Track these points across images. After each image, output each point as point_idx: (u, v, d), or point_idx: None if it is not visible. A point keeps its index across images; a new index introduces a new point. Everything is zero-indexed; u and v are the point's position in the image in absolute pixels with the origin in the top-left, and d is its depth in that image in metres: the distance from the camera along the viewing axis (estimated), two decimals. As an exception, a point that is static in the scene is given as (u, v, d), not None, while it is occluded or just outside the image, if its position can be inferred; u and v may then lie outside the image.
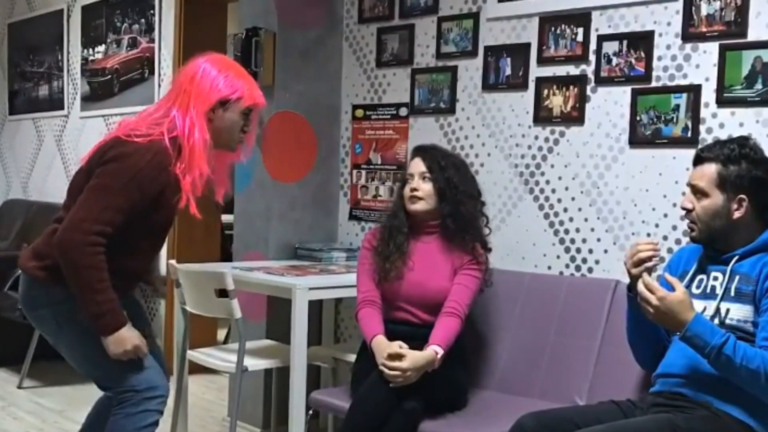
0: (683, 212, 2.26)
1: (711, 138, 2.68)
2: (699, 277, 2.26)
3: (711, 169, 2.18)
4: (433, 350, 2.60)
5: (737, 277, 2.16)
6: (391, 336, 2.70)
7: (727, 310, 2.14)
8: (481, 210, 2.91)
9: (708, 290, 2.21)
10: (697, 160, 2.24)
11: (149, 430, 2.37)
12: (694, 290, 2.24)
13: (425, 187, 2.81)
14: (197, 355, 3.27)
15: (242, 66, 3.63)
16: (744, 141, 2.21)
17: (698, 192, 2.20)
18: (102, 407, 2.59)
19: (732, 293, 2.15)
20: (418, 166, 2.85)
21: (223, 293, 3.02)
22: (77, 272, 2.22)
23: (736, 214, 2.17)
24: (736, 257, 2.17)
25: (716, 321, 2.13)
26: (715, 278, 2.21)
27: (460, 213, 2.79)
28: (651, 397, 2.23)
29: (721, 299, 2.16)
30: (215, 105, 2.41)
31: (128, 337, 2.30)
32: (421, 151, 2.90)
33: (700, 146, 2.43)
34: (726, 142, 2.22)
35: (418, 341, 2.64)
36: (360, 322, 2.80)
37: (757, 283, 2.11)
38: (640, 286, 2.11)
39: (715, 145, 2.24)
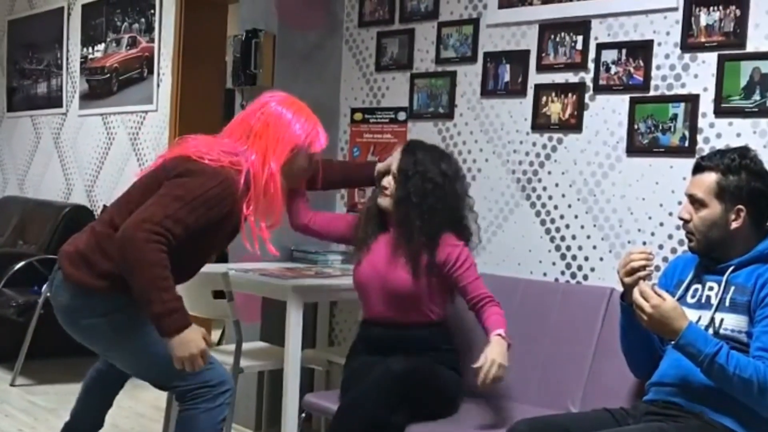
0: (681, 222, 2.25)
1: (708, 148, 2.69)
2: (694, 286, 2.25)
3: (711, 178, 2.17)
4: (497, 334, 2.56)
5: (732, 288, 2.15)
6: (373, 338, 2.77)
7: (722, 320, 2.14)
8: (465, 217, 2.85)
9: (703, 300, 2.20)
10: (697, 169, 2.23)
11: (224, 425, 2.39)
12: (689, 300, 2.23)
13: (393, 186, 2.80)
14: None
15: (242, 67, 3.68)
16: (745, 152, 2.21)
17: (696, 202, 2.19)
18: (92, 384, 2.60)
19: (727, 303, 2.14)
20: (395, 162, 2.82)
21: (218, 294, 3.02)
22: (142, 270, 2.16)
23: (734, 225, 2.15)
24: (732, 267, 2.16)
25: (711, 331, 2.13)
26: (711, 288, 2.19)
27: (411, 222, 2.73)
28: (644, 406, 2.23)
29: (716, 309, 2.15)
30: (289, 152, 2.45)
31: (194, 339, 2.23)
32: (405, 148, 2.85)
33: (697, 156, 2.42)
34: (727, 152, 2.21)
35: (391, 344, 2.66)
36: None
37: (752, 294, 2.10)
38: (635, 294, 2.09)
39: (716, 154, 2.23)
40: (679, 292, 2.25)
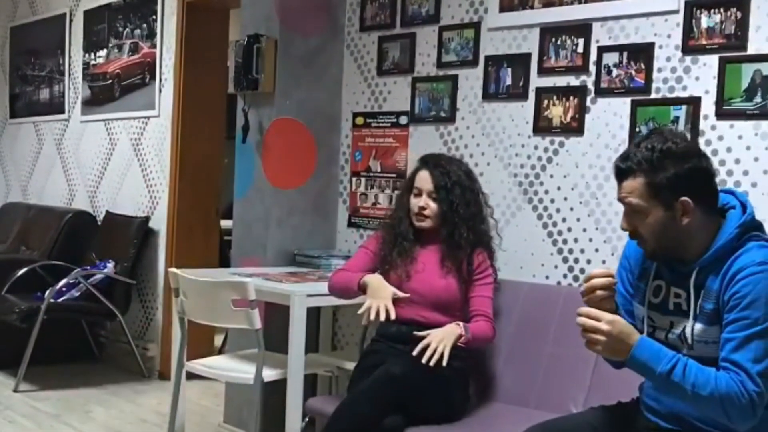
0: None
1: (710, 151, 2.68)
2: (656, 283, 2.04)
3: (638, 181, 1.91)
4: (456, 324, 2.65)
5: (701, 293, 1.93)
6: (396, 335, 2.76)
7: (692, 329, 1.94)
8: (486, 218, 2.96)
9: (671, 306, 2.00)
10: (619, 173, 1.96)
11: None
12: (651, 298, 2.04)
13: (433, 206, 2.86)
14: (203, 368, 3.21)
15: (244, 72, 3.68)
16: (660, 135, 1.93)
17: (634, 211, 1.94)
18: None
19: (697, 312, 1.93)
20: (426, 182, 2.87)
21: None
22: None
23: (685, 220, 1.90)
24: (696, 270, 1.94)
25: (684, 344, 1.97)
26: (678, 295, 1.98)
27: (460, 233, 2.83)
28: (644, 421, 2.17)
29: (691, 318, 1.94)
30: None
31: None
32: (429, 165, 2.92)
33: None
34: (641, 144, 1.93)
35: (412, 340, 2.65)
36: (334, 278, 2.90)
37: (717, 298, 1.90)
38: (581, 319, 1.86)
39: (631, 151, 1.94)
40: (644, 287, 2.06)
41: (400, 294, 2.68)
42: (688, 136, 1.95)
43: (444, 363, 2.54)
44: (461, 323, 2.68)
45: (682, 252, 1.96)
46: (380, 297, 2.63)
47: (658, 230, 1.92)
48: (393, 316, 2.59)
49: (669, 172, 1.88)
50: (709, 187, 1.94)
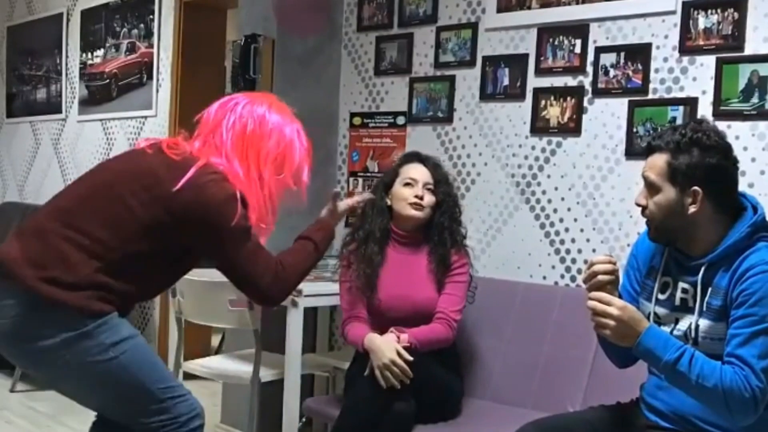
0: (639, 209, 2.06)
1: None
2: (664, 279, 2.07)
3: (661, 159, 1.97)
4: (391, 331, 2.61)
5: (708, 290, 1.96)
6: None
7: (697, 326, 1.97)
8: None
9: (677, 302, 2.03)
10: (649, 150, 2.03)
11: None
12: (659, 296, 2.07)
13: (429, 198, 2.83)
14: (200, 368, 3.22)
15: (241, 72, 3.68)
16: (697, 125, 1.99)
17: (650, 186, 2.00)
18: None
19: (704, 308, 1.96)
20: (423, 175, 2.85)
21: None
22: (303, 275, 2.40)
23: (692, 209, 1.94)
24: (705, 266, 1.97)
25: (689, 338, 1.99)
26: (685, 291, 2.01)
27: (451, 226, 2.82)
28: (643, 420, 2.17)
29: (696, 314, 1.97)
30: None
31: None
32: (423, 160, 2.91)
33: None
34: (678, 128, 2.00)
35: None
36: (348, 337, 2.79)
37: (726, 295, 1.92)
38: (592, 303, 1.91)
39: (667, 131, 2.01)
40: (651, 284, 2.09)
41: (404, 354, 2.54)
42: (727, 138, 2.02)
43: (407, 380, 2.49)
44: (395, 331, 2.63)
45: (686, 242, 2.00)
46: (385, 357, 2.53)
47: (665, 210, 1.97)
48: (408, 381, 2.51)
49: (691, 159, 1.93)
50: (725, 187, 1.98)
